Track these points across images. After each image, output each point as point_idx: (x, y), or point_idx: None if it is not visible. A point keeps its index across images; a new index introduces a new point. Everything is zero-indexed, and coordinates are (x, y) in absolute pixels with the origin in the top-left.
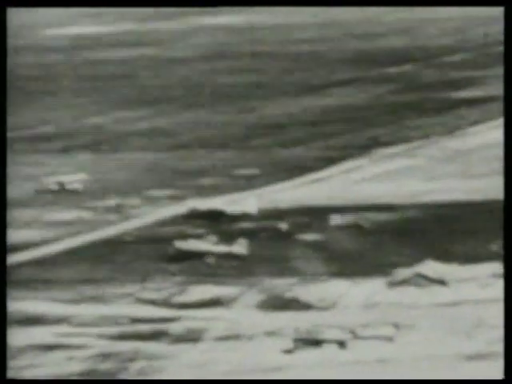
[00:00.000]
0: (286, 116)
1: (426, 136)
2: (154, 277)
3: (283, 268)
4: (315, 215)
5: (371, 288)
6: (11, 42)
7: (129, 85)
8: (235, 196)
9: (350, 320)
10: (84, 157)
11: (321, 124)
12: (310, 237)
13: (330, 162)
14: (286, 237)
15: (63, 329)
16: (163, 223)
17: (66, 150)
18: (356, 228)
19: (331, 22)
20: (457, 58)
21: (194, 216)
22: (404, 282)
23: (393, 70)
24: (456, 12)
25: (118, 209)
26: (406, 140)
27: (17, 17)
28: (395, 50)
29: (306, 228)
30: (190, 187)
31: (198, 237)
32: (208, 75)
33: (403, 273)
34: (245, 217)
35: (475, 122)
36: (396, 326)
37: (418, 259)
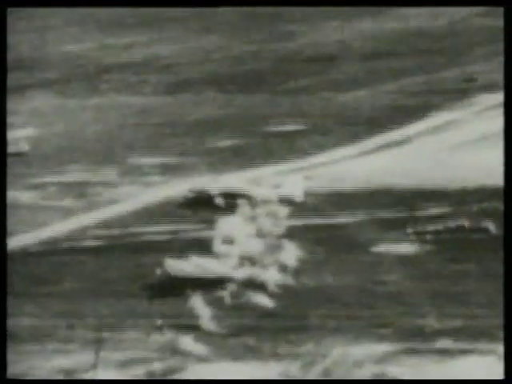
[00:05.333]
0: (338, 42)
1: None
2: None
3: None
4: (401, 206)
5: None
6: None
7: None
8: (266, 170)
9: None
10: (40, 100)
11: (394, 53)
12: (397, 248)
13: (412, 111)
14: (356, 247)
15: None
16: (146, 216)
17: (18, 88)
18: (479, 233)
19: None
20: None
21: (200, 204)
22: None
23: None
24: None
25: (78, 188)
26: None
27: None
28: None
29: (388, 231)
30: (194, 153)
31: (203, 249)
32: None
33: None
34: (283, 206)
35: None
36: None
37: None
